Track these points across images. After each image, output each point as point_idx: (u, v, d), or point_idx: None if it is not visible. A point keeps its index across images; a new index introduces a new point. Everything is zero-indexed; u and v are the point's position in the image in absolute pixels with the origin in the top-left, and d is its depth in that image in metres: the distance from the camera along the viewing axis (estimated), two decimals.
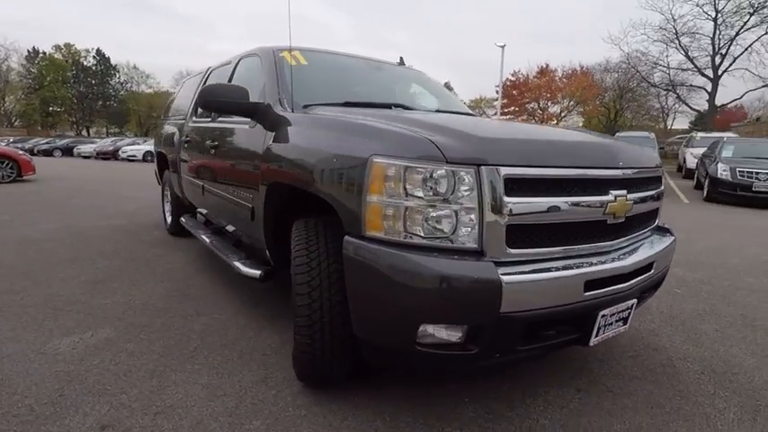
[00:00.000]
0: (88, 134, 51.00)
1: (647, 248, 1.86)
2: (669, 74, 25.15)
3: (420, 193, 1.38)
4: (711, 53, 22.65)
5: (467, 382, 1.94)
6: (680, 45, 23.53)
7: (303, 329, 1.66)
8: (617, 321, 1.72)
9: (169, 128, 4.51)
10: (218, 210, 3.11)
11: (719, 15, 21.66)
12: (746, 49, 21.71)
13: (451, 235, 1.39)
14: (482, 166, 1.37)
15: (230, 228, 3.14)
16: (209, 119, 3.28)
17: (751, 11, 20.44)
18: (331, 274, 1.67)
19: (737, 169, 8.63)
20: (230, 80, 3.13)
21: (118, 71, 54.07)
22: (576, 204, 1.54)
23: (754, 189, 8.38)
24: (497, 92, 29.73)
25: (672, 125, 40.39)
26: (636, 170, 1.78)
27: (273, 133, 2.17)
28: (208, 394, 1.82)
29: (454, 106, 3.17)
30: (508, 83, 33.44)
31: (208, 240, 3.12)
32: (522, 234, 1.45)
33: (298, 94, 2.35)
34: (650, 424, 1.72)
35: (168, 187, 4.64)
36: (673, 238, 2.09)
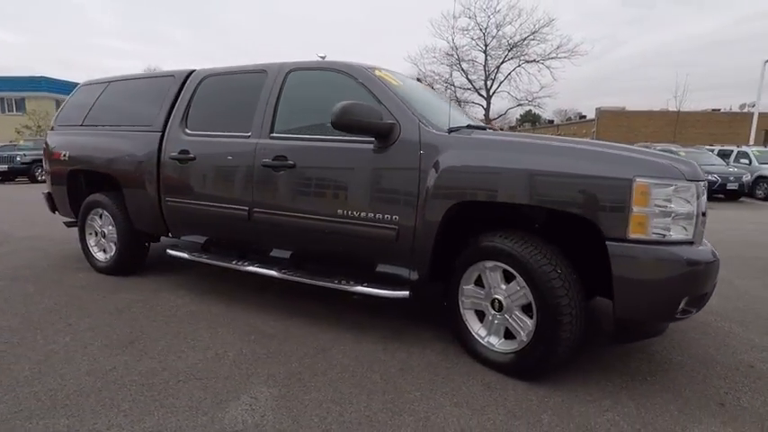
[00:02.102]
0: None
1: None
2: (455, 92, 30.80)
3: (672, 203, 1.88)
4: (484, 77, 28.88)
5: (615, 351, 2.50)
6: (462, 69, 29.15)
7: (567, 326, 1.93)
8: None
9: (112, 140, 3.56)
10: (289, 235, 2.80)
11: (488, 49, 27.84)
12: (507, 77, 28.57)
13: (684, 231, 1.93)
14: (698, 182, 1.96)
15: (283, 253, 2.89)
16: (247, 134, 2.89)
17: (509, 48, 27.03)
18: (570, 274, 1.99)
19: None
20: (279, 97, 2.86)
21: None
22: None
23: None
24: None
25: None
26: None
27: (439, 154, 2.25)
28: (474, 413, 1.86)
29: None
30: None
31: (275, 273, 2.77)
32: None
33: (430, 116, 2.46)
34: (745, 359, 2.55)
35: (108, 217, 3.65)
36: None
